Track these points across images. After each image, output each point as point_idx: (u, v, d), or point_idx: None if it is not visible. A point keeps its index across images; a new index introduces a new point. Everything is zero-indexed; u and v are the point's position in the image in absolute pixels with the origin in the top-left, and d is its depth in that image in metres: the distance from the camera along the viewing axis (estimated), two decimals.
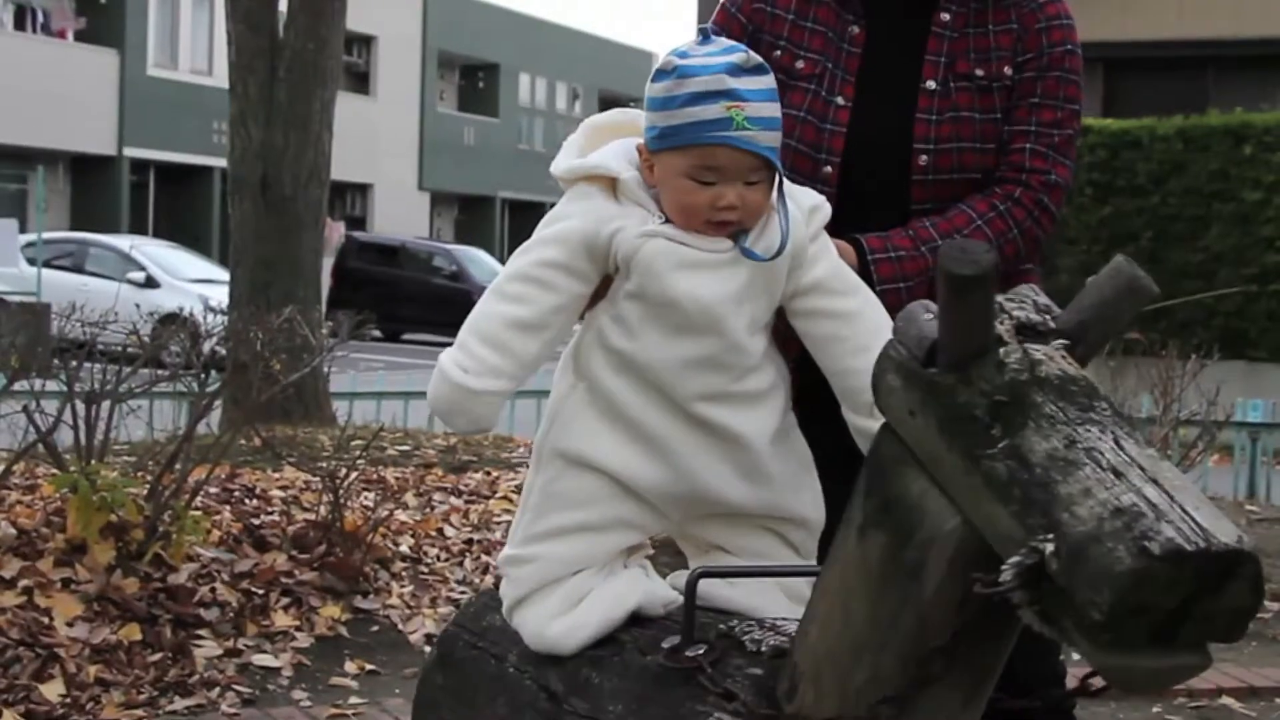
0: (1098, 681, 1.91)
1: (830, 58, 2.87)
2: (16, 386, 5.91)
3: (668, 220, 2.40)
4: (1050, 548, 1.65)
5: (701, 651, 2.19)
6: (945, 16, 2.86)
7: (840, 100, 2.84)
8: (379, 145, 41.66)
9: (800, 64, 2.86)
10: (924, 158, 2.81)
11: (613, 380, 2.41)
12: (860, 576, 1.96)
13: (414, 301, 27.38)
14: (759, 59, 2.42)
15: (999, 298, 1.85)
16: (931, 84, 2.83)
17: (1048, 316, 1.87)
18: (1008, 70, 2.85)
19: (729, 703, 2.11)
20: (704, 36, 2.46)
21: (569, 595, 2.39)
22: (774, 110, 2.40)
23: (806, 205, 2.46)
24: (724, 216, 2.36)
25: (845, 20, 2.88)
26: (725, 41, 2.46)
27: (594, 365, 2.43)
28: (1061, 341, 1.83)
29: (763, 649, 2.18)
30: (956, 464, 1.80)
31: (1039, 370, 1.78)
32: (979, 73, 2.84)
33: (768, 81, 2.41)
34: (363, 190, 43.39)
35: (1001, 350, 1.79)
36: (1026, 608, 1.69)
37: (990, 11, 2.87)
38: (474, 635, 2.57)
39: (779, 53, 2.86)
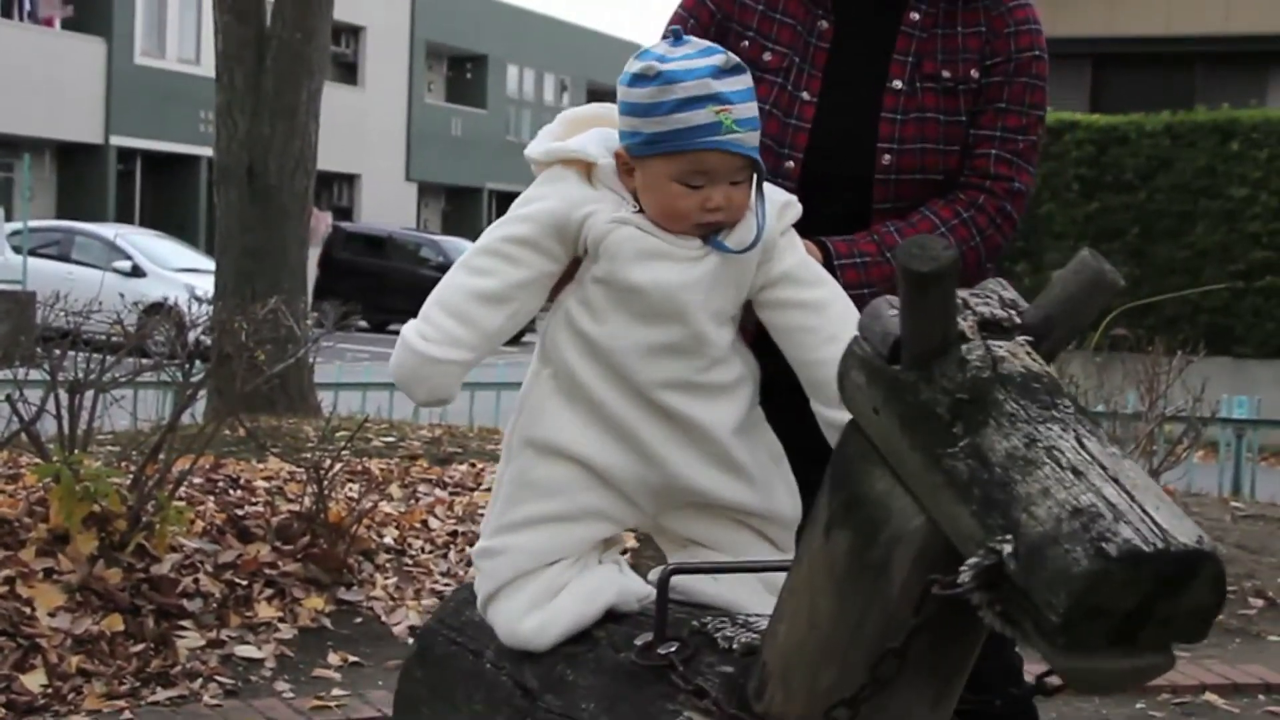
0: (1054, 680, 1.90)
1: (798, 52, 2.85)
2: (0, 375, 5.90)
3: (640, 209, 2.41)
4: (1009, 549, 1.63)
5: (674, 649, 2.18)
6: (915, 16, 2.84)
7: (806, 95, 2.83)
8: (367, 136, 41.61)
9: (768, 56, 2.84)
10: (887, 157, 2.79)
11: (579, 363, 2.41)
12: (826, 575, 1.94)
13: (400, 292, 27.28)
14: (737, 59, 2.43)
15: (964, 293, 1.83)
16: (898, 83, 2.82)
17: (1013, 312, 1.84)
18: (974, 73, 2.83)
19: (699, 700, 2.10)
20: (675, 38, 2.46)
21: (542, 590, 2.38)
22: (755, 110, 2.42)
23: (779, 202, 2.48)
24: (712, 218, 2.38)
25: (814, 15, 2.86)
26: (699, 42, 2.46)
27: (561, 347, 2.43)
28: (1026, 338, 1.81)
29: (734, 646, 2.17)
30: (919, 462, 1.78)
31: (1001, 367, 1.75)
32: (945, 74, 2.83)
33: (747, 81, 2.42)
34: (350, 180, 43.33)
35: (964, 347, 1.77)
36: (987, 609, 1.67)
37: (960, 13, 2.85)
38: (453, 631, 2.57)
39: (746, 44, 2.84)
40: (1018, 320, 1.83)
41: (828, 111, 2.82)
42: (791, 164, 2.81)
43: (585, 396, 2.40)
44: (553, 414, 2.42)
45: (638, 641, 2.24)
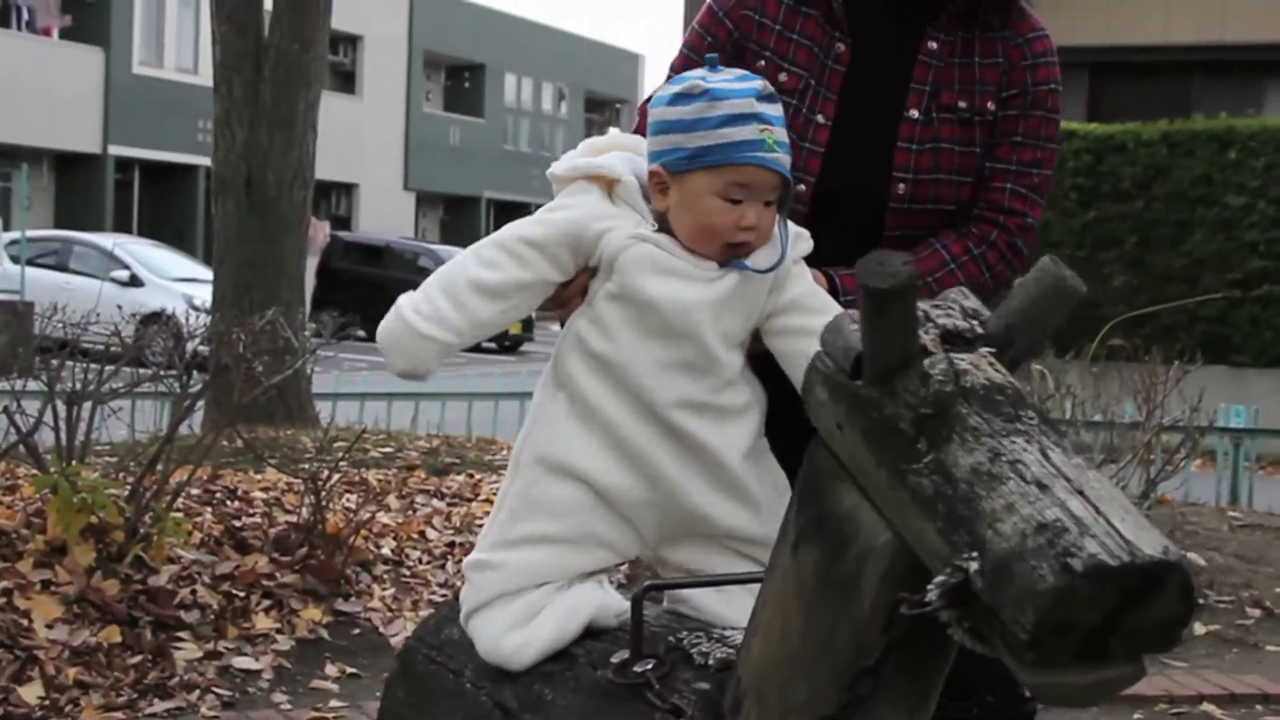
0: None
1: (813, 73, 2.85)
2: None
3: (660, 230, 2.45)
4: (975, 566, 1.62)
5: (650, 666, 2.18)
6: (933, 45, 2.84)
7: (820, 119, 2.82)
8: (364, 145, 41.62)
9: (784, 77, 2.82)
10: (902, 186, 2.80)
11: (590, 384, 2.42)
12: (795, 591, 1.93)
13: None
14: (772, 89, 2.49)
15: (925, 305, 1.81)
16: (915, 113, 2.81)
17: (975, 323, 1.82)
18: (990, 105, 2.84)
19: (676, 719, 2.09)
20: (712, 65, 2.51)
21: (527, 609, 2.38)
22: (786, 135, 2.48)
23: (791, 232, 2.50)
24: (744, 237, 2.42)
25: (832, 37, 2.85)
26: (737, 70, 2.53)
27: (573, 370, 2.45)
28: (989, 349, 1.80)
29: (710, 662, 2.17)
30: (884, 478, 1.77)
31: (964, 380, 1.74)
32: (962, 104, 2.83)
33: (780, 109, 2.48)
34: (348, 190, 43.34)
35: (926, 361, 1.75)
36: (955, 626, 1.66)
37: (977, 43, 2.85)
38: (433, 649, 2.56)
39: (763, 63, 2.83)
40: (980, 331, 1.82)
41: (841, 136, 2.81)
42: (803, 187, 2.80)
43: (597, 419, 2.41)
44: (565, 435, 2.43)
45: (614, 659, 2.24)
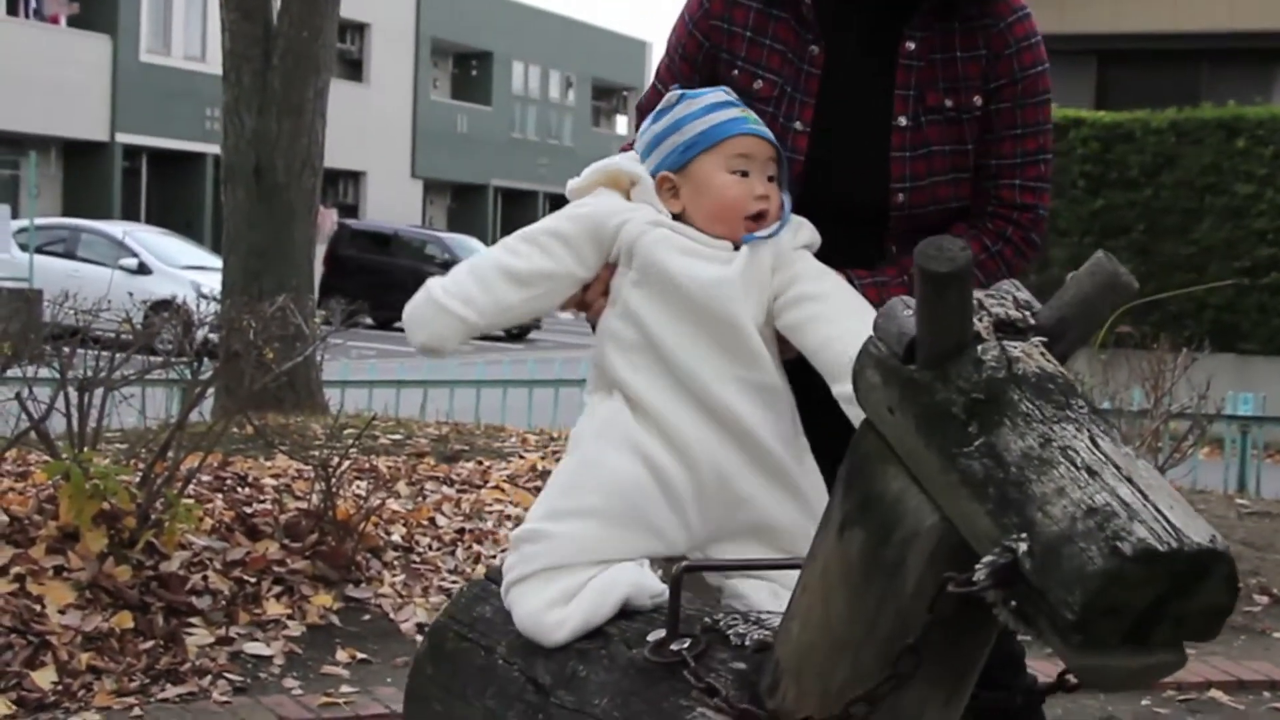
0: (1073, 678, 1.91)
1: (788, 79, 2.79)
2: (9, 373, 5.91)
3: (675, 218, 2.56)
4: (1024, 547, 1.64)
5: (686, 645, 2.19)
6: (910, 45, 2.77)
7: (799, 125, 2.77)
8: (372, 133, 41.63)
9: (759, 84, 2.78)
10: (901, 196, 2.77)
11: (633, 378, 2.48)
12: (840, 574, 1.95)
13: (406, 289, 26.30)
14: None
15: (979, 294, 1.84)
16: (903, 120, 2.77)
17: (1027, 313, 1.85)
18: (977, 100, 2.78)
19: (711, 698, 2.10)
20: (681, 96, 2.67)
21: (572, 587, 2.38)
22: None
23: (794, 221, 2.61)
24: (760, 205, 2.55)
25: (805, 40, 2.79)
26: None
27: (614, 366, 2.51)
28: (1040, 339, 1.83)
29: (747, 643, 2.18)
30: (934, 461, 1.79)
31: (1016, 368, 1.77)
32: (948, 103, 2.78)
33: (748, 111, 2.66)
34: (356, 178, 43.37)
35: (979, 347, 1.78)
36: (1002, 607, 1.69)
37: (957, 36, 2.78)
38: (464, 626, 2.57)
39: (737, 72, 2.80)
40: (1032, 321, 1.85)
41: (827, 145, 2.77)
42: (788, 194, 2.75)
43: (646, 410, 2.46)
44: (624, 420, 2.47)
45: (650, 638, 2.24)
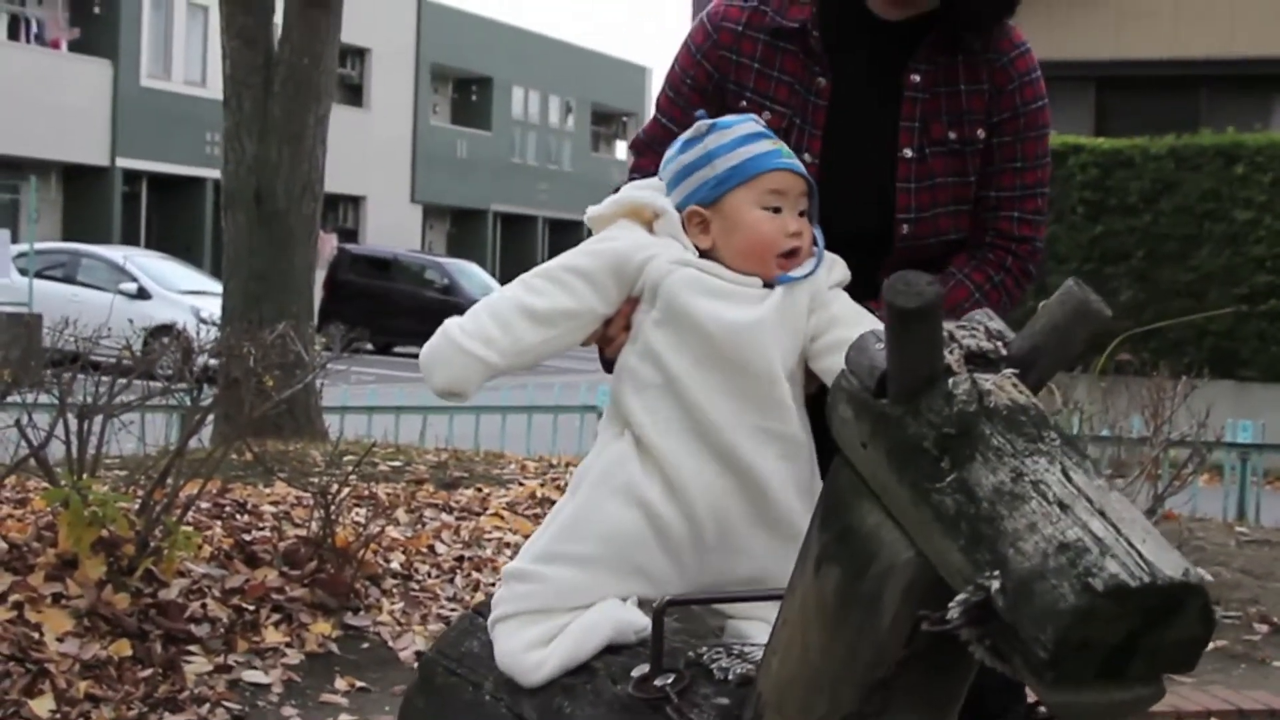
0: (1044, 710, 1.91)
1: (796, 111, 2.83)
2: (8, 399, 5.91)
3: (702, 255, 2.49)
4: (996, 584, 1.63)
5: (670, 681, 2.18)
6: (915, 78, 2.81)
7: (807, 158, 2.78)
8: (372, 157, 41.68)
9: (767, 116, 2.79)
10: (905, 227, 2.80)
11: (647, 420, 2.42)
12: (817, 609, 1.94)
13: (406, 314, 27.37)
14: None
15: (950, 325, 1.83)
16: (909, 151, 2.80)
17: (999, 344, 1.84)
18: (980, 133, 2.83)
19: None
20: (701, 118, 2.62)
21: (551, 631, 2.38)
22: None
23: (828, 259, 2.55)
24: (794, 243, 2.48)
25: (812, 72, 2.83)
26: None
27: (630, 407, 2.46)
28: (1012, 370, 1.81)
29: (730, 677, 2.17)
30: (906, 496, 1.78)
31: (987, 401, 1.76)
32: (952, 136, 2.81)
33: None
34: (355, 202, 43.40)
35: (950, 381, 1.77)
36: (976, 644, 1.68)
37: (960, 69, 2.83)
38: (452, 661, 2.57)
39: (745, 103, 2.83)
40: (1004, 352, 1.83)
41: (832, 176, 2.78)
42: None
43: (656, 456, 2.41)
44: (630, 466, 2.42)
45: (635, 673, 2.24)
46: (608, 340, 2.54)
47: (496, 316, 2.46)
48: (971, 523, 1.69)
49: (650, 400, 2.43)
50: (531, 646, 2.37)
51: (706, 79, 2.88)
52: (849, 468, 1.91)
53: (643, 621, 2.36)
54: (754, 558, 2.41)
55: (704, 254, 2.51)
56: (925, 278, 1.72)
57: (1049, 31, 14.92)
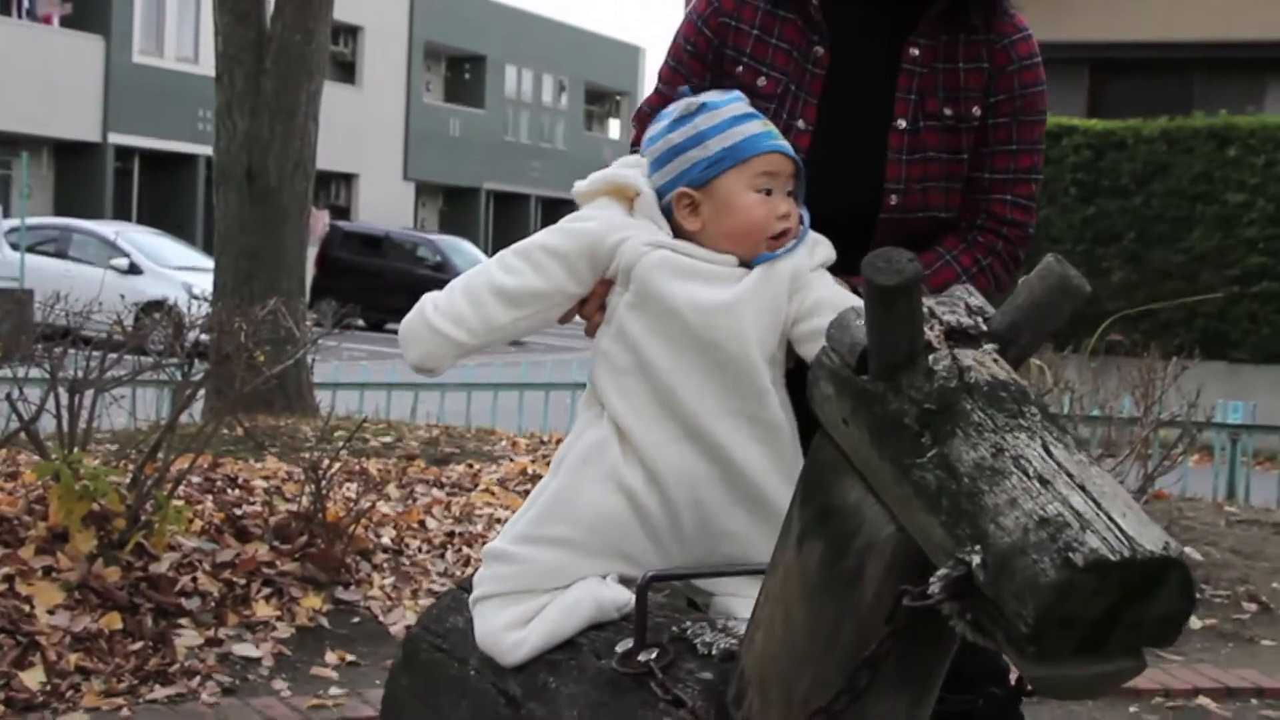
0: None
1: (793, 78, 2.83)
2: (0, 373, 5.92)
3: (690, 237, 2.47)
4: (977, 559, 1.63)
5: (654, 655, 2.19)
6: (914, 51, 2.81)
7: (801, 124, 2.79)
8: (364, 135, 41.63)
9: (762, 81, 2.81)
10: (894, 198, 2.79)
11: (622, 404, 2.41)
12: (799, 585, 1.94)
13: (398, 291, 27.22)
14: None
15: (930, 302, 1.83)
16: (902, 123, 2.80)
17: (979, 319, 1.84)
18: (976, 110, 2.82)
19: (678, 709, 2.10)
20: (685, 94, 2.62)
21: (529, 612, 2.37)
22: None
23: (810, 238, 2.53)
24: (784, 225, 2.47)
25: (810, 40, 2.83)
26: (715, 90, 2.64)
27: (604, 389, 2.44)
28: (992, 345, 1.81)
29: (714, 652, 2.17)
30: (888, 473, 1.78)
31: (968, 376, 1.75)
32: (947, 111, 2.81)
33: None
34: (348, 180, 43.36)
35: (931, 357, 1.77)
36: (958, 619, 1.68)
37: (960, 46, 2.83)
38: (437, 637, 2.57)
39: (741, 69, 2.83)
40: (984, 328, 1.83)
41: (825, 145, 2.78)
42: None
43: (634, 441, 2.39)
44: (611, 449, 2.41)
45: (619, 648, 2.24)
46: (585, 317, 2.54)
47: (469, 294, 2.47)
48: (952, 498, 1.69)
49: (625, 383, 2.41)
50: (511, 627, 2.37)
51: (706, 46, 2.88)
52: (830, 444, 1.90)
53: (625, 597, 2.35)
54: (736, 540, 2.39)
55: (692, 236, 2.48)
56: (905, 254, 1.71)
57: (1044, 13, 14.88)
